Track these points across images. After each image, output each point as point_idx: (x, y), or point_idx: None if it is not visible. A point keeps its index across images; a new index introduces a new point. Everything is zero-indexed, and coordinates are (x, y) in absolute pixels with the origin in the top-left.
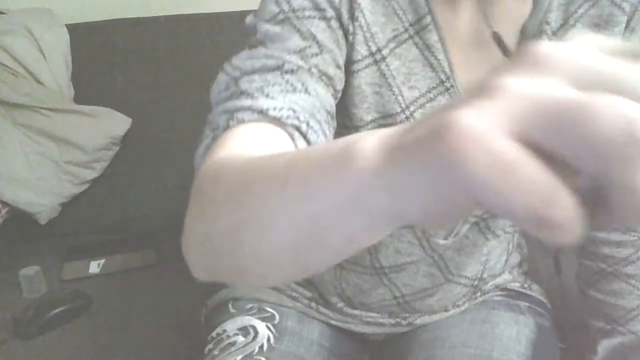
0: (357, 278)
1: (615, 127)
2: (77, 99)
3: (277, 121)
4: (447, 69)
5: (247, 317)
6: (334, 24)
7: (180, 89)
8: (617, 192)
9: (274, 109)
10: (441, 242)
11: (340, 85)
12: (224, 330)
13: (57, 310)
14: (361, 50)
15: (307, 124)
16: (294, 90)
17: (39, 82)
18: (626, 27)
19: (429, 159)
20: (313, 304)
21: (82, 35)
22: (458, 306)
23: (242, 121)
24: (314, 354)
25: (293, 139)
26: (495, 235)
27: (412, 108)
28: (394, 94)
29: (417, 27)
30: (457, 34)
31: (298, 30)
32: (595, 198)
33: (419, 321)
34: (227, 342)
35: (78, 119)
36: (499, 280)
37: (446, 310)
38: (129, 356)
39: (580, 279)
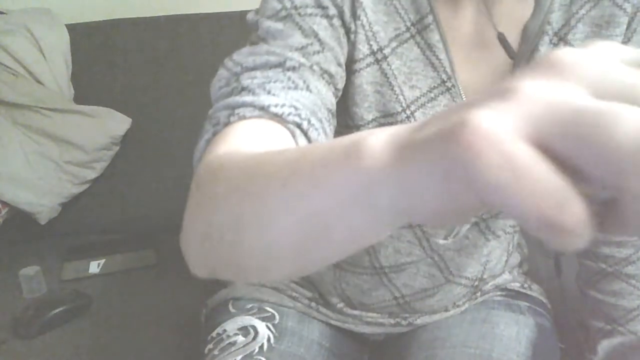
0: (356, 279)
1: (632, 138)
2: (77, 99)
3: (279, 118)
4: (448, 69)
5: (247, 317)
6: (336, 22)
7: (180, 89)
8: (628, 201)
9: (276, 105)
10: (441, 242)
11: (341, 84)
12: (224, 330)
13: (57, 310)
14: (363, 49)
15: (309, 122)
16: (296, 87)
17: (39, 82)
18: (627, 28)
19: (440, 157)
20: (313, 304)
21: (82, 35)
22: (458, 306)
23: (243, 117)
24: (314, 354)
25: (294, 136)
26: (495, 235)
27: (412, 107)
28: (394, 94)
29: (418, 26)
30: (459, 34)
31: (300, 28)
32: (606, 206)
33: (419, 321)
34: (227, 342)
35: (78, 119)
36: (499, 281)
37: (446, 310)
38: (129, 356)
39: (581, 279)
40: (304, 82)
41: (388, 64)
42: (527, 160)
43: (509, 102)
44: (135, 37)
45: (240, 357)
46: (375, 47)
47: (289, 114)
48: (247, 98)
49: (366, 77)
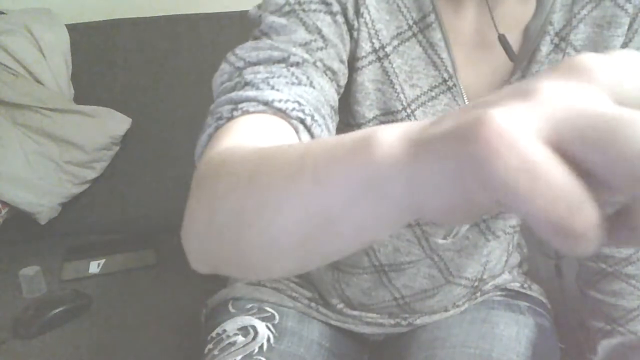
0: (356, 279)
1: None
2: (77, 99)
3: (282, 113)
4: (450, 68)
5: (247, 317)
6: (340, 18)
7: (180, 89)
8: None
9: (280, 100)
10: (440, 241)
11: (343, 81)
12: (224, 330)
13: (57, 310)
14: (365, 46)
15: (312, 118)
16: (299, 83)
17: (39, 82)
18: (629, 28)
19: (455, 153)
20: (313, 304)
21: (82, 35)
22: (458, 306)
23: (247, 112)
24: (314, 354)
25: (297, 132)
26: (495, 236)
27: (413, 106)
28: (395, 92)
29: (421, 25)
30: (460, 34)
31: (304, 23)
32: (618, 214)
33: (418, 321)
34: (227, 342)
35: (78, 119)
36: (498, 281)
37: (446, 310)
38: (129, 356)
39: (581, 279)
40: (308, 78)
41: (389, 62)
42: (543, 162)
43: (529, 102)
44: (135, 37)
45: (240, 357)
46: (377, 45)
47: (293, 109)
48: (251, 93)
49: (368, 75)
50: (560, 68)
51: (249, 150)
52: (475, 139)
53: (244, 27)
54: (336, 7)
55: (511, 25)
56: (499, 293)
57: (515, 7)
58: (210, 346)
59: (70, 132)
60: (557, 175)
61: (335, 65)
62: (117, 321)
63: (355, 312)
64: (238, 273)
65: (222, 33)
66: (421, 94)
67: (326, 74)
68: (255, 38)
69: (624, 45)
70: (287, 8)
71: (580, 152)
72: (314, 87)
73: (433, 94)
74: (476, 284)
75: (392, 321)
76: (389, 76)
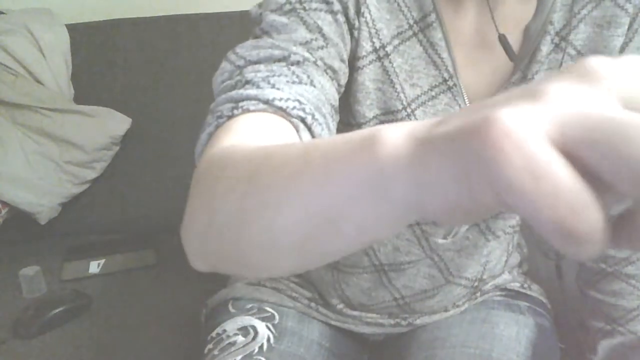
0: (356, 278)
1: None
2: (77, 99)
3: (283, 112)
4: (450, 68)
5: (247, 317)
6: (340, 18)
7: (180, 89)
8: None
9: (280, 99)
10: (440, 241)
11: (344, 80)
12: (224, 330)
13: (57, 310)
14: (366, 46)
15: (313, 116)
16: (300, 81)
17: (39, 82)
18: (629, 28)
19: (461, 152)
20: (313, 304)
21: (82, 35)
22: (458, 306)
23: (247, 110)
24: (314, 354)
25: (298, 130)
26: (495, 236)
27: (413, 106)
28: (396, 91)
29: (421, 24)
30: (461, 34)
31: (304, 22)
32: (622, 219)
33: (418, 321)
34: (227, 342)
35: (78, 119)
36: (498, 281)
37: (446, 310)
38: (129, 356)
39: (581, 279)
40: (308, 76)
41: (390, 62)
42: (550, 163)
43: (537, 104)
44: (135, 37)
45: (240, 357)
46: (377, 45)
47: (294, 108)
48: (251, 91)
49: (368, 75)
50: (570, 71)
51: (249, 150)
52: (482, 138)
53: (244, 27)
54: (337, 6)
55: (511, 25)
56: (498, 293)
57: (515, 7)
58: (210, 346)
59: (70, 132)
60: (562, 177)
61: (336, 64)
62: (117, 321)
63: (355, 312)
64: (238, 271)
65: (222, 33)
66: (421, 93)
67: (327, 73)
68: (256, 36)
69: (624, 45)
70: (287, 7)
71: (587, 155)
72: (314, 86)
73: (433, 93)
74: (476, 284)
75: (392, 321)
76: (389, 75)
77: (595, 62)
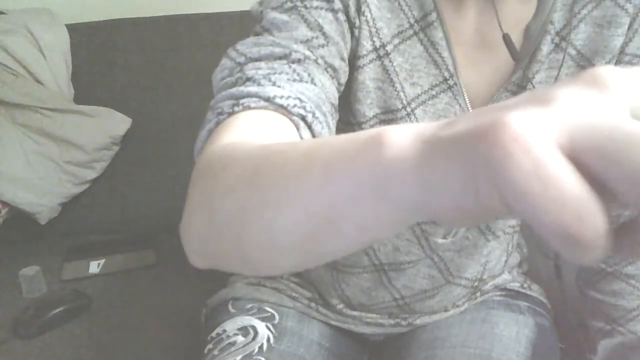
0: (356, 278)
1: None
2: (77, 99)
3: (283, 110)
4: (451, 67)
5: (247, 317)
6: (341, 16)
7: (180, 89)
8: None
9: (281, 97)
10: (440, 241)
11: (344, 79)
12: (224, 330)
13: (57, 310)
14: (366, 45)
15: (313, 115)
16: (301, 79)
17: (39, 82)
18: (629, 28)
19: (468, 155)
20: (313, 304)
21: (82, 35)
22: (458, 306)
23: (248, 107)
24: (314, 354)
25: (298, 128)
26: (495, 236)
27: (413, 105)
28: (395, 90)
29: (422, 23)
30: (461, 33)
31: (305, 20)
32: (624, 226)
33: (418, 321)
34: (227, 342)
35: (78, 119)
36: (498, 281)
37: (446, 310)
38: (129, 356)
39: (581, 280)
40: (309, 75)
41: (390, 61)
42: (557, 169)
43: (546, 109)
44: (135, 37)
45: (240, 357)
46: (377, 44)
47: (294, 106)
48: (252, 88)
49: (368, 74)
50: (580, 78)
51: (250, 148)
52: (490, 141)
53: (244, 27)
54: (338, 5)
55: (512, 25)
56: (498, 293)
57: (516, 7)
58: (210, 346)
59: (70, 132)
60: (569, 183)
61: (336, 63)
62: (117, 321)
63: (355, 313)
64: (237, 269)
65: (222, 33)
66: (422, 92)
67: (327, 71)
68: (257, 34)
69: (624, 45)
70: (289, 4)
71: (594, 162)
72: (315, 84)
73: (433, 92)
74: (476, 284)
75: (392, 321)
76: (389, 74)
77: (605, 70)
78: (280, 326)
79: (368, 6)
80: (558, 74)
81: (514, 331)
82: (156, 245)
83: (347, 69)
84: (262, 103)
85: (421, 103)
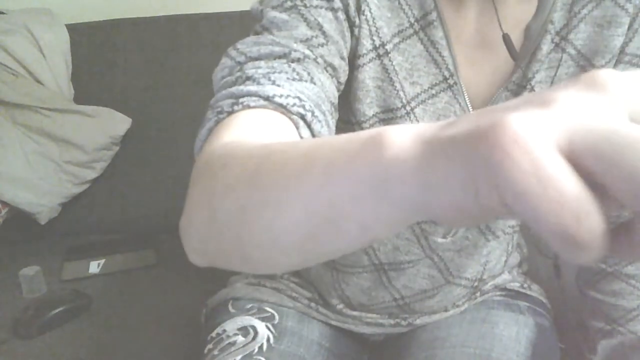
0: (356, 278)
1: None
2: (77, 99)
3: (283, 109)
4: (451, 66)
5: (247, 317)
6: (341, 15)
7: (180, 89)
8: None
9: (280, 96)
10: (440, 240)
11: (343, 78)
12: (224, 330)
13: (57, 310)
14: (366, 44)
15: (312, 114)
16: (300, 79)
17: (39, 82)
18: (629, 28)
19: (468, 155)
20: (313, 304)
21: (82, 35)
22: (458, 306)
23: (248, 106)
24: (314, 353)
25: (297, 127)
26: (495, 236)
27: (413, 104)
28: (395, 89)
29: (422, 22)
30: (462, 33)
31: (305, 19)
32: (621, 228)
33: (418, 321)
34: (227, 342)
35: (78, 119)
36: (498, 280)
37: (446, 310)
38: (129, 356)
39: (581, 280)
40: (309, 74)
41: (390, 60)
42: (556, 170)
43: (546, 111)
44: (135, 37)
45: (239, 357)
46: (377, 43)
47: (294, 105)
48: (252, 87)
49: (368, 73)
50: (580, 80)
51: (250, 147)
52: (490, 142)
53: (244, 27)
54: (338, 4)
55: (512, 25)
56: (498, 293)
57: (516, 7)
58: (210, 346)
59: (70, 132)
60: (567, 184)
61: (336, 62)
62: (117, 321)
63: (355, 313)
64: (237, 267)
65: (222, 33)
66: (421, 91)
67: (327, 71)
68: (257, 33)
69: (624, 44)
70: (288, 3)
71: (593, 164)
72: (314, 84)
73: (433, 91)
74: (476, 284)
75: (392, 321)
76: (389, 74)
77: (605, 73)
78: (280, 326)
79: (368, 5)
80: (556, 73)
81: (514, 331)
82: (156, 245)
83: (346, 68)
84: (262, 102)
85: (421, 102)
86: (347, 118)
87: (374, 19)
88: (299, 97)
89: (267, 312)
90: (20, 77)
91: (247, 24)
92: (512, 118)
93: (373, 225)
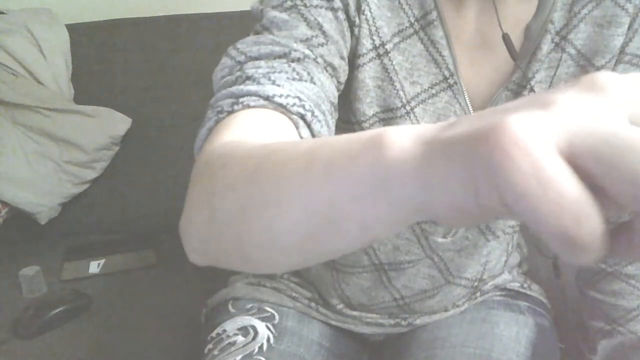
0: (356, 278)
1: None
2: (77, 99)
3: (283, 108)
4: (451, 66)
5: (247, 317)
6: (341, 15)
7: (180, 89)
8: None
9: (280, 96)
10: (440, 240)
11: (343, 78)
12: (224, 330)
13: (57, 310)
14: (366, 43)
15: (312, 113)
16: (300, 78)
17: (39, 82)
18: (629, 28)
19: (469, 156)
20: (313, 304)
21: (82, 35)
22: (458, 306)
23: (247, 106)
24: (314, 353)
25: (297, 127)
26: (495, 236)
27: (413, 103)
28: (395, 89)
29: (422, 22)
30: (462, 33)
31: (305, 19)
32: (620, 229)
33: (418, 321)
34: (227, 342)
35: (78, 119)
36: (498, 280)
37: (446, 310)
38: (129, 356)
39: (581, 280)
40: (308, 74)
41: (389, 59)
42: (555, 171)
43: (546, 113)
44: (135, 37)
45: (240, 357)
46: (377, 42)
47: (294, 105)
48: (252, 87)
49: (368, 72)
50: (580, 83)
51: (250, 147)
52: (491, 144)
53: (244, 27)
54: (337, 4)
55: (512, 25)
56: (498, 293)
57: (516, 7)
58: (210, 346)
59: (70, 132)
60: (567, 185)
61: (336, 62)
62: (117, 321)
63: (355, 313)
64: (237, 267)
65: (222, 33)
66: (421, 91)
67: (327, 70)
68: (257, 32)
69: (624, 44)
70: (288, 3)
71: (592, 166)
72: (314, 83)
73: (433, 91)
74: (476, 284)
75: (392, 321)
76: (389, 73)
77: (605, 76)
78: (280, 326)
79: (368, 5)
80: (556, 73)
81: (514, 331)
82: (156, 245)
83: (346, 67)
84: (262, 102)
85: (421, 102)
86: (347, 118)
87: (374, 18)
88: (298, 97)
89: (267, 312)
90: (20, 77)
91: (247, 24)
92: (512, 119)
93: (373, 225)
